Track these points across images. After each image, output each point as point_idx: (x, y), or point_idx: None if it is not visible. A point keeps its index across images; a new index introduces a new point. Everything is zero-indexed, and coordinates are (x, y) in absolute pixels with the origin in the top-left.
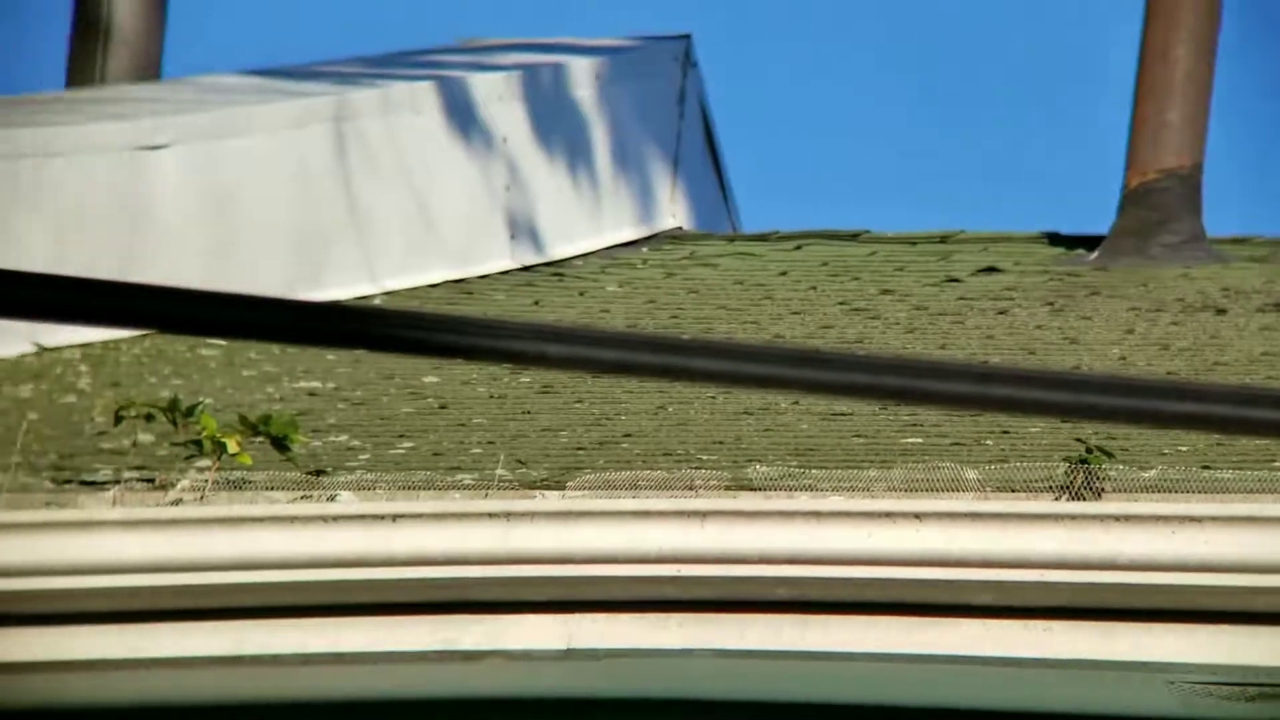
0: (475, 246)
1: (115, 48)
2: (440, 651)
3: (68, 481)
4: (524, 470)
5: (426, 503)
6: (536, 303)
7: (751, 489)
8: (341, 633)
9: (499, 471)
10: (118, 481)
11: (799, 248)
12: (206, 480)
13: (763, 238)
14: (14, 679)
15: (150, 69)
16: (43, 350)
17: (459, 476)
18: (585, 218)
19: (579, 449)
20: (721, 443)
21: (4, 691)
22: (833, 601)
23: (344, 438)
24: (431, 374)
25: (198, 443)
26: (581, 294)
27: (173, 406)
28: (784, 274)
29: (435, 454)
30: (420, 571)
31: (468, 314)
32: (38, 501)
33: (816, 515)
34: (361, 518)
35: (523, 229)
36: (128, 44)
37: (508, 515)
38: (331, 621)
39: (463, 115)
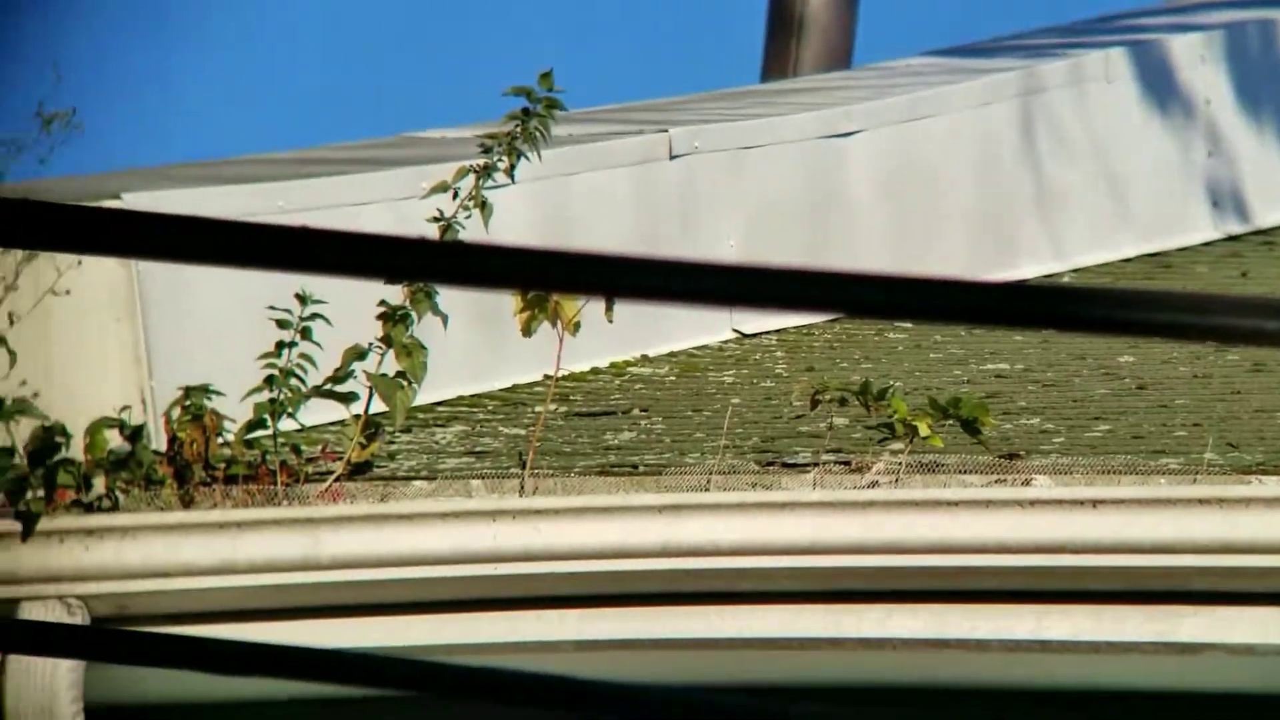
0: (1172, 218)
1: (808, 39)
2: (1154, 643)
3: (770, 464)
4: (1236, 454)
5: (1129, 488)
6: (1244, 274)
7: None
8: (1044, 619)
9: (1208, 455)
10: (816, 464)
11: None
12: (900, 463)
13: None
14: (697, 655)
15: (841, 58)
16: (743, 337)
17: (1163, 460)
18: None
19: None
20: None
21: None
22: None
23: (1035, 420)
24: (1127, 353)
25: (889, 426)
26: None
27: (864, 390)
28: None
29: (1135, 437)
30: (1127, 559)
31: (1167, 289)
32: (744, 483)
33: None
34: (1060, 503)
35: (1226, 197)
36: (821, 35)
37: (1221, 502)
38: (1032, 609)
39: (1160, 80)
